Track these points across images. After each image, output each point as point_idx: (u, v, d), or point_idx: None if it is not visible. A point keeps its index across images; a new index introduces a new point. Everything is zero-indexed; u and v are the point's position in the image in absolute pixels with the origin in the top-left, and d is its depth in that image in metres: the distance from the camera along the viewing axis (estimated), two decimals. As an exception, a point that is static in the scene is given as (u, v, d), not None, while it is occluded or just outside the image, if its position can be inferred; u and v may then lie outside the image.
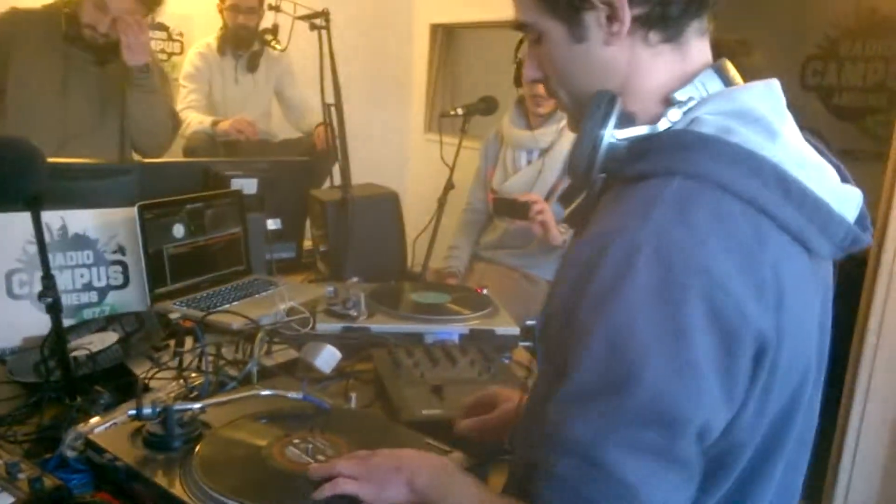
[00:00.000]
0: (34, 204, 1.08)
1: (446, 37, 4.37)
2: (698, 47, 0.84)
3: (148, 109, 2.34)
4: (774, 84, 0.85)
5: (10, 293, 1.50)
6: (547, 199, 2.45)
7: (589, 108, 0.80)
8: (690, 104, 0.81)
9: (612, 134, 0.80)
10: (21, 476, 0.98)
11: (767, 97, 0.83)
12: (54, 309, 1.12)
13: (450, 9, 4.16)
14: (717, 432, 0.74)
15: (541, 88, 2.41)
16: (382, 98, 4.36)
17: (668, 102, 0.82)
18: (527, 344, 1.58)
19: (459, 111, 2.32)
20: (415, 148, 4.49)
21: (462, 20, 4.15)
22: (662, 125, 0.81)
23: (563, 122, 2.48)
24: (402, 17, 4.40)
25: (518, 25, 0.88)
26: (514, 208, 2.30)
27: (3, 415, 1.21)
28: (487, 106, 2.35)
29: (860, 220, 0.83)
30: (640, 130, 0.81)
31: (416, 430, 1.10)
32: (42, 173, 1.05)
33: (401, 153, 4.52)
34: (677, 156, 0.76)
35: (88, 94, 2.33)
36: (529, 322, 1.97)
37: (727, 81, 0.84)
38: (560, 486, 0.73)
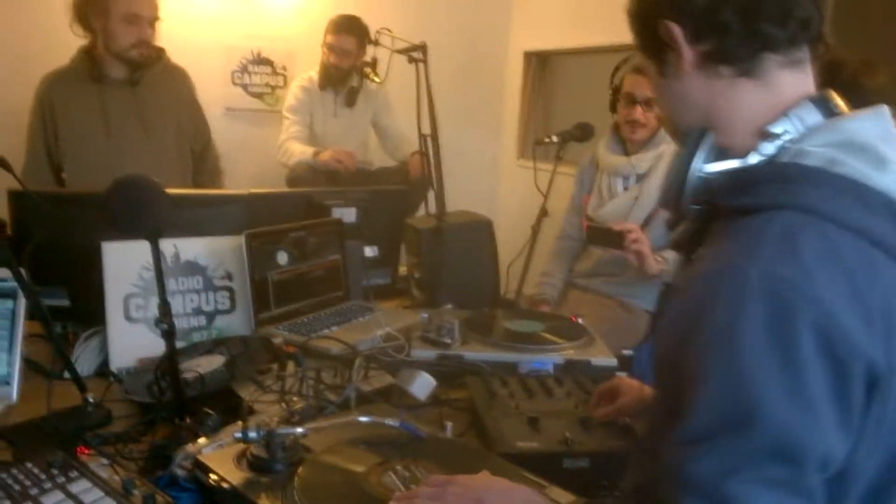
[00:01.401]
0: (154, 236, 1.15)
1: (540, 64, 4.38)
2: (789, 80, 0.86)
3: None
4: (883, 111, 0.85)
5: (127, 316, 1.60)
6: (644, 226, 2.40)
7: (682, 142, 0.87)
8: (786, 137, 0.83)
9: (702, 167, 0.84)
10: (135, 493, 1.04)
11: (876, 124, 0.83)
12: (169, 335, 1.18)
13: (544, 36, 4.17)
14: (838, 463, 0.74)
15: (637, 114, 2.39)
16: (476, 125, 4.40)
17: (763, 135, 0.84)
18: (623, 374, 1.57)
19: (555, 138, 2.32)
20: (508, 175, 4.50)
21: (556, 47, 4.15)
22: (753, 158, 0.84)
23: (661, 148, 2.43)
24: (498, 45, 4.45)
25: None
26: (608, 237, 2.26)
27: (120, 432, 1.28)
28: (583, 132, 2.34)
29: None
30: (732, 164, 0.84)
31: (513, 463, 1.09)
32: (162, 209, 1.12)
33: (494, 180, 4.54)
34: (782, 189, 0.78)
35: (128, 120, 2.49)
36: (626, 352, 1.94)
37: (828, 112, 0.84)
38: None
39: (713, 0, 0.84)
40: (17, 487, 1.06)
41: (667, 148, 2.42)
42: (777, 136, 0.83)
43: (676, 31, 0.86)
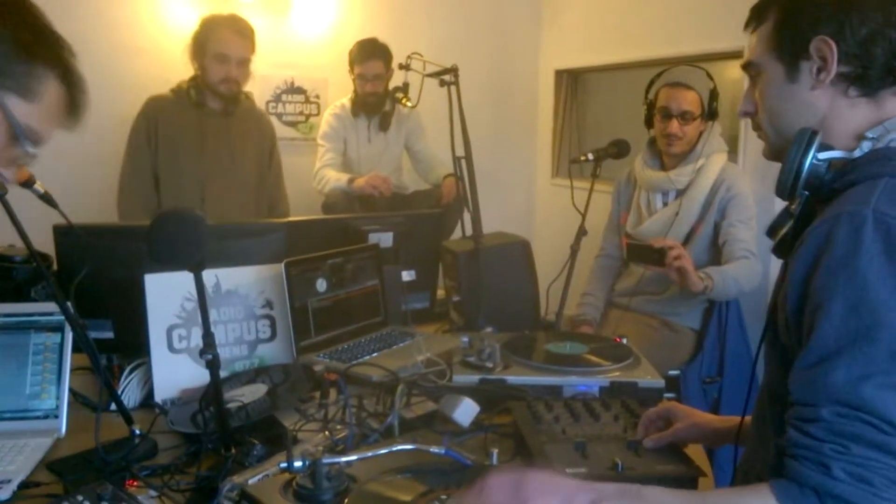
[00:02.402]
0: (197, 268, 1.16)
1: (572, 81, 4.37)
2: (893, 102, 1.00)
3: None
4: None
5: (170, 347, 1.61)
6: (685, 243, 2.36)
7: (794, 140, 0.98)
8: (882, 138, 0.98)
9: (816, 155, 0.97)
10: (184, 525, 1.03)
11: None
12: (213, 365, 1.18)
13: (575, 54, 4.17)
14: None
15: (673, 127, 2.36)
16: (509, 146, 4.40)
17: (860, 139, 0.99)
18: (671, 395, 1.54)
19: (590, 156, 2.30)
20: (542, 194, 4.48)
21: (586, 64, 4.14)
22: (857, 153, 0.99)
23: (700, 162, 2.39)
24: (528, 64, 4.45)
25: (746, 64, 1.10)
26: (649, 254, 2.22)
27: (166, 464, 1.29)
28: (619, 150, 2.31)
29: None
30: (838, 154, 0.99)
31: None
32: (206, 241, 1.13)
33: (528, 200, 4.52)
34: (881, 165, 0.94)
35: (219, 146, 2.85)
36: (672, 372, 1.90)
37: None
38: (826, 427, 0.84)
39: (873, 34, 0.97)
40: (67, 522, 1.06)
41: (705, 162, 2.39)
42: (875, 138, 0.98)
43: (833, 48, 0.98)
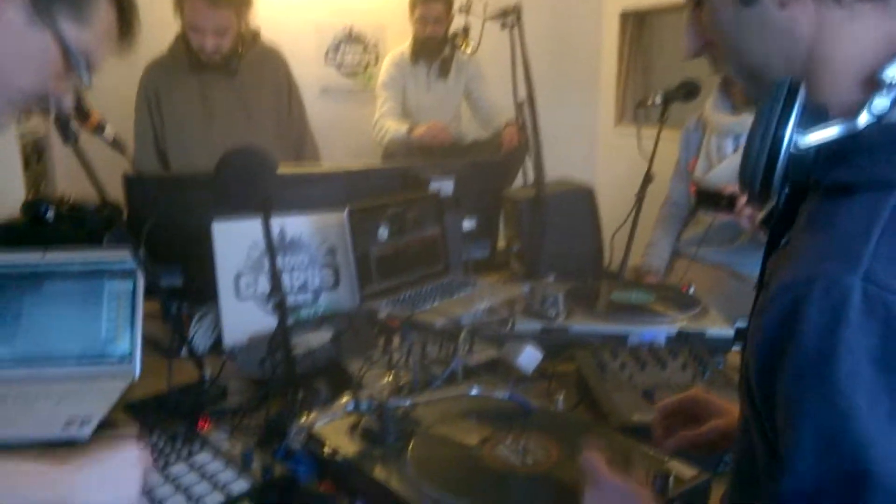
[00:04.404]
0: (265, 208, 1.16)
1: (637, 24, 4.21)
2: None
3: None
4: None
5: (237, 295, 1.64)
6: (756, 189, 2.26)
7: (764, 101, 0.64)
8: None
9: (796, 138, 0.63)
10: (254, 464, 1.06)
11: None
12: (282, 307, 1.19)
13: (640, -5, 4.01)
14: None
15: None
16: (570, 93, 4.29)
17: (873, 84, 0.63)
18: (739, 348, 1.45)
19: (658, 99, 2.21)
20: (605, 143, 4.37)
21: (654, 5, 3.97)
22: (863, 119, 0.62)
23: (774, 105, 2.28)
24: (591, 6, 4.30)
25: None
26: (719, 201, 2.14)
27: (236, 407, 1.32)
28: (688, 91, 2.21)
29: None
30: (831, 131, 0.63)
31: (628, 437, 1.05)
32: (273, 178, 1.13)
33: (590, 149, 4.42)
34: (893, 160, 0.60)
35: (228, 108, 2.53)
36: (740, 325, 1.79)
37: None
38: None
39: None
40: (144, 459, 1.10)
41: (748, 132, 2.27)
42: (893, 85, 0.62)
43: None
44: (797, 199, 0.69)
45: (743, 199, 2.07)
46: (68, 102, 0.93)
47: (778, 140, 0.63)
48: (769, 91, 0.65)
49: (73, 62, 0.86)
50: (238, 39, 2.47)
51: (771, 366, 0.61)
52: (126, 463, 0.89)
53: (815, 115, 0.64)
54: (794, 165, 0.64)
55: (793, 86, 0.64)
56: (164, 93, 2.51)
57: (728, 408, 0.98)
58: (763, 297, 0.63)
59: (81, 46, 0.87)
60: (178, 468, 1.07)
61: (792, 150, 0.63)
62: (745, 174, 0.66)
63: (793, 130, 0.63)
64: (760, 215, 0.78)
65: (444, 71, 3.42)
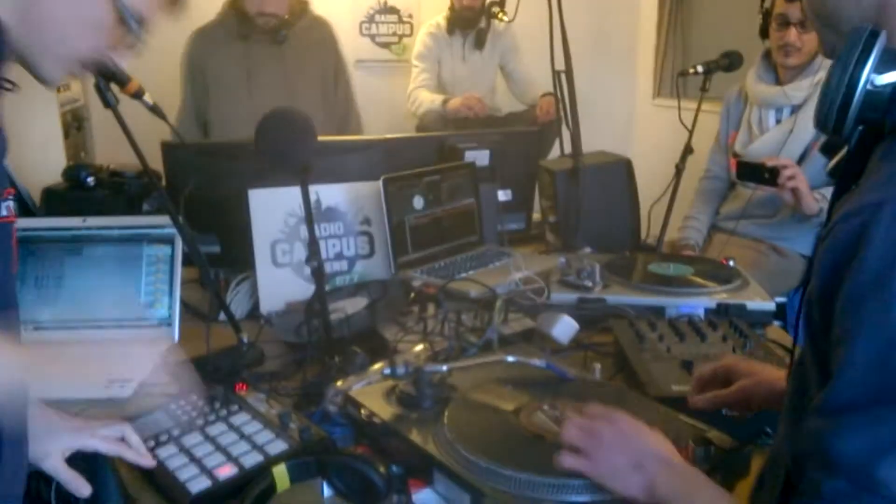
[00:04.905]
0: (304, 173, 1.16)
1: (677, -4, 4.11)
2: None
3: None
4: None
5: (274, 262, 1.65)
6: (799, 163, 2.21)
7: (842, 47, 0.67)
8: None
9: (872, 77, 0.65)
10: (292, 426, 1.07)
11: None
12: (319, 272, 1.20)
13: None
14: None
15: (791, 36, 2.18)
16: (608, 64, 4.21)
17: None
18: (780, 323, 1.41)
19: (700, 68, 2.16)
20: (643, 115, 4.30)
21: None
22: None
23: (820, 76, 2.21)
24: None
25: None
26: (760, 173, 2.09)
27: (273, 371, 1.33)
28: (731, 61, 2.16)
29: None
30: None
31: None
32: (313, 142, 1.13)
33: (627, 121, 4.35)
34: None
35: (271, 79, 2.48)
36: (779, 299, 1.74)
37: None
38: None
39: None
40: (185, 418, 1.12)
41: (825, 75, 2.21)
42: None
43: None
44: (869, 144, 0.70)
45: (787, 172, 2.03)
46: (123, 64, 0.94)
47: (854, 78, 0.65)
48: (848, 37, 0.67)
49: (127, 25, 0.87)
50: (290, 6, 2.44)
51: (833, 288, 0.64)
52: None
53: (890, 61, 0.66)
54: (868, 103, 0.66)
55: (873, 32, 0.66)
56: (209, 61, 2.49)
57: (757, 369, 1.01)
58: (826, 227, 0.67)
59: (135, 9, 0.88)
60: (217, 427, 1.09)
61: (868, 87, 0.66)
62: (821, 112, 0.68)
63: (870, 70, 0.65)
64: (830, 164, 0.80)
65: (479, 42, 3.39)
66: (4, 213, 0.86)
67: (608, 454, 0.84)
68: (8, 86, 0.85)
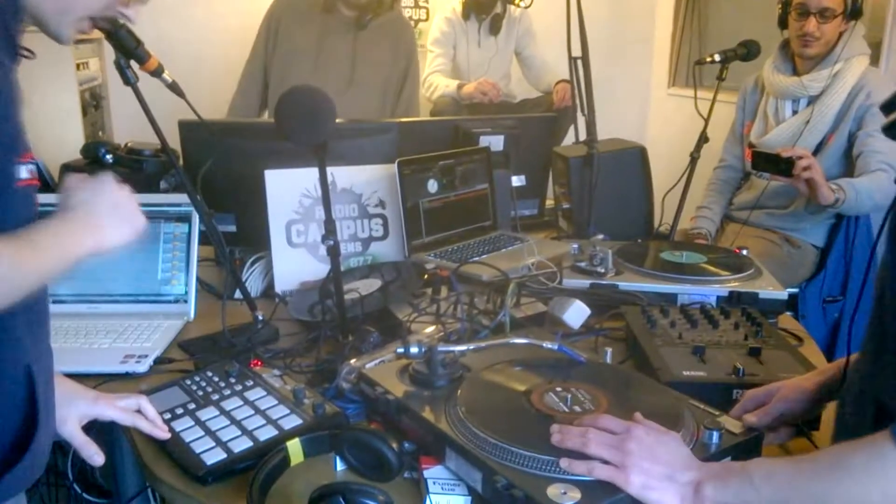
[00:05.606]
0: (321, 149, 1.17)
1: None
2: None
3: None
4: None
5: (289, 242, 1.66)
6: (815, 154, 2.20)
7: None
8: None
9: None
10: (306, 402, 1.09)
11: None
12: (334, 250, 1.21)
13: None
14: None
15: (811, 26, 2.16)
16: (624, 52, 4.18)
17: None
18: (791, 313, 1.39)
19: (717, 57, 2.15)
20: (657, 104, 4.27)
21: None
22: None
23: (838, 67, 2.20)
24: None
25: None
26: (776, 163, 2.08)
27: (287, 348, 1.35)
28: (748, 51, 2.15)
29: None
30: None
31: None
32: (332, 121, 1.14)
33: (642, 111, 4.32)
34: None
35: (339, 58, 2.51)
36: (792, 290, 1.73)
37: None
38: None
39: None
40: (200, 393, 1.14)
41: (843, 66, 2.20)
42: None
43: None
44: None
45: (802, 162, 2.02)
46: (132, 15, 0.94)
47: None
48: None
49: None
50: None
51: None
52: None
53: None
54: None
55: None
56: (287, 22, 2.50)
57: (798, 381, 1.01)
58: None
59: None
60: (232, 401, 1.10)
61: None
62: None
63: None
64: (886, 121, 0.78)
65: (495, 27, 3.37)
66: (27, 175, 0.84)
67: (639, 466, 0.83)
68: (26, 53, 0.86)
